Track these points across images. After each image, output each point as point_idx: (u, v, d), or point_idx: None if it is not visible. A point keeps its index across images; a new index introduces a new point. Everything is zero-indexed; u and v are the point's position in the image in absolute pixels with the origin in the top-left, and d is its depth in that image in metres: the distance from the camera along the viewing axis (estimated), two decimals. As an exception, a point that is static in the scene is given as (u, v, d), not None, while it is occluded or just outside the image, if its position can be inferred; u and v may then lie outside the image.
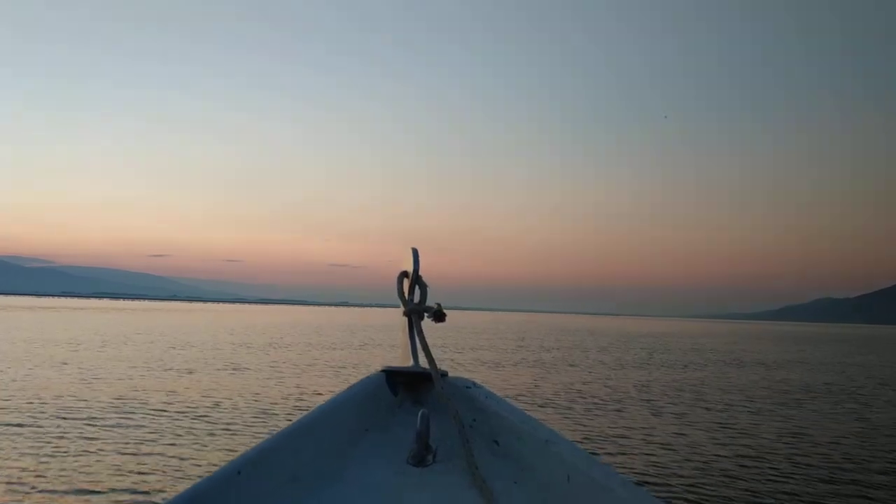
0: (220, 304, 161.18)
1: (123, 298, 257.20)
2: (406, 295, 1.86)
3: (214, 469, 1.30)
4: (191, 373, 12.60)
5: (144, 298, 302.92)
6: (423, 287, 1.85)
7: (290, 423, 1.51)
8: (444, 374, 1.72)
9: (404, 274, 1.88)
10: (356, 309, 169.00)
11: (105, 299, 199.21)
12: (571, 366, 18.07)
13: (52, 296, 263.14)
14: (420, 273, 1.84)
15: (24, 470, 5.61)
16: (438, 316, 1.81)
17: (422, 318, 1.82)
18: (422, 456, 1.55)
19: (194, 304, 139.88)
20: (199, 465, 5.94)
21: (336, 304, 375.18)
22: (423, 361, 1.73)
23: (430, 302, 1.84)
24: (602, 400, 11.26)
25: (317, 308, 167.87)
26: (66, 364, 13.28)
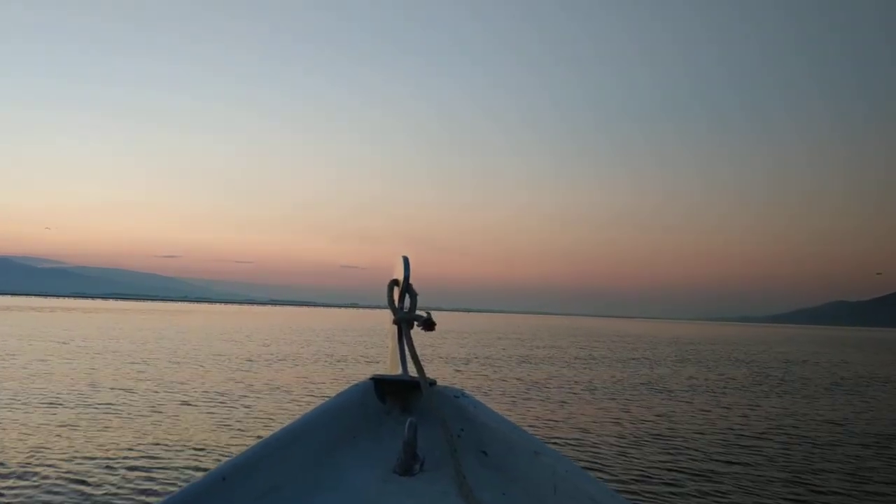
0: (231, 306, 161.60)
1: (134, 299, 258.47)
2: (396, 303, 1.85)
3: (200, 475, 1.27)
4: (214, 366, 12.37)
5: (155, 299, 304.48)
6: (413, 295, 1.84)
7: (277, 429, 1.50)
8: (432, 383, 1.71)
9: (394, 282, 1.87)
10: (365, 310, 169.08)
11: (115, 300, 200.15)
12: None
13: (63, 296, 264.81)
14: (410, 281, 1.82)
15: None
16: (428, 325, 1.80)
17: (411, 327, 1.82)
18: (409, 465, 1.54)
19: (204, 306, 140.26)
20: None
21: (346, 306, 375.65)
22: (412, 370, 1.73)
23: (420, 310, 1.83)
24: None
25: (326, 309, 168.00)
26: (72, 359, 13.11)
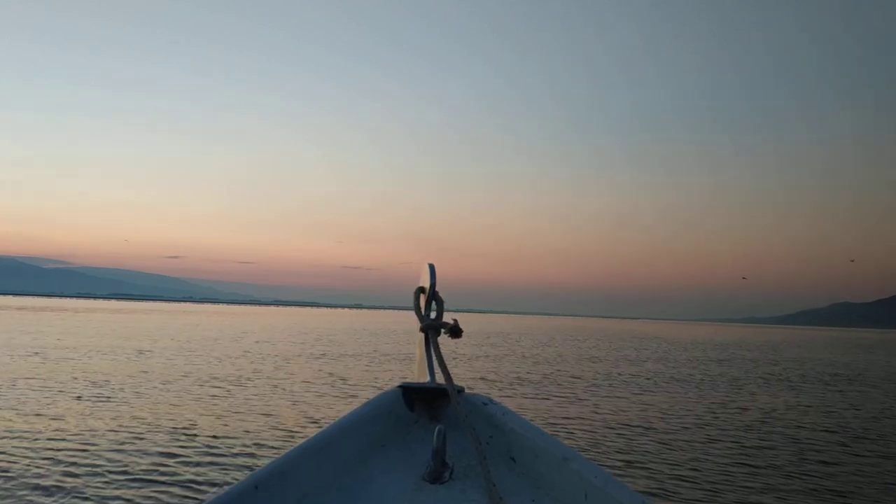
0: (234, 306, 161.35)
1: (138, 300, 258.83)
2: (422, 310, 1.86)
3: (232, 483, 1.28)
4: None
5: (160, 300, 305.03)
6: (440, 303, 1.85)
7: (307, 438, 1.51)
8: (460, 391, 1.71)
9: (421, 289, 1.88)
10: (369, 311, 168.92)
11: (118, 300, 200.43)
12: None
13: (69, 297, 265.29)
14: (437, 289, 1.83)
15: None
16: (455, 332, 1.81)
17: (438, 334, 1.82)
18: (438, 472, 1.54)
19: (207, 306, 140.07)
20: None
21: (349, 307, 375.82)
22: (440, 377, 1.74)
23: (447, 318, 1.84)
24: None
25: (330, 310, 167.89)
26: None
